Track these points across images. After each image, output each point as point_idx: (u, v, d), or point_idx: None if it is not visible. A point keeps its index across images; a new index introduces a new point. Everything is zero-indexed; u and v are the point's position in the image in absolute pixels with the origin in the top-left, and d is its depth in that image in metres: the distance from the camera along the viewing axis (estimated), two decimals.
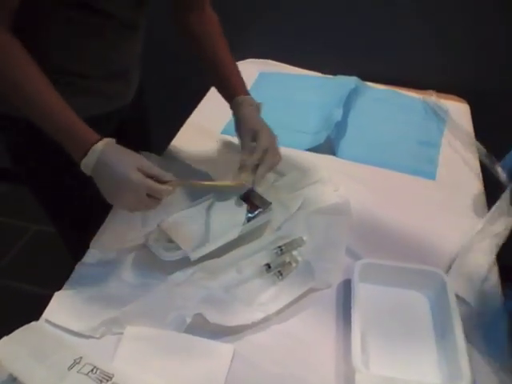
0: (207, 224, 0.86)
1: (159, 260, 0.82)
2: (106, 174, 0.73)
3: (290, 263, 0.84)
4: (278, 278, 0.83)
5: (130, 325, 0.76)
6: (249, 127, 0.93)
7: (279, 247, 0.87)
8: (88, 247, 0.88)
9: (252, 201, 0.90)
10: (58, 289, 0.82)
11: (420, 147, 1.22)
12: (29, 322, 0.75)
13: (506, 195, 0.98)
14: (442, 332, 0.76)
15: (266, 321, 0.77)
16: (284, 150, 0.97)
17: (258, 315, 0.77)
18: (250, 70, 1.49)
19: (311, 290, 0.82)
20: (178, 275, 0.83)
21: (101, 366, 0.67)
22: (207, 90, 1.32)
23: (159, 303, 0.78)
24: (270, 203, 0.91)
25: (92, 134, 0.74)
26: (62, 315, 0.77)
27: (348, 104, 1.32)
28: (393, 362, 0.73)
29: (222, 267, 0.84)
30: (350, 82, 1.39)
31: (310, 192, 1.00)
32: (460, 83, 1.39)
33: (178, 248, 0.82)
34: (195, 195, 0.94)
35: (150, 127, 1.20)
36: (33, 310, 0.78)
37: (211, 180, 0.96)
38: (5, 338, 0.70)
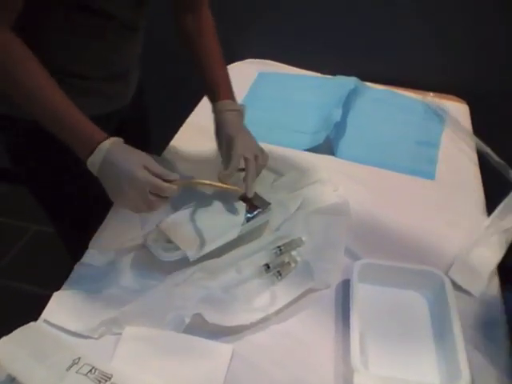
0: (206, 224, 0.86)
1: (158, 260, 0.82)
2: (111, 173, 0.73)
3: (289, 263, 0.84)
4: (277, 278, 0.83)
5: (128, 325, 0.76)
6: (225, 132, 0.90)
7: (278, 247, 0.87)
8: (87, 247, 0.88)
9: (251, 201, 0.90)
10: (58, 289, 0.82)
11: (419, 147, 1.22)
12: (28, 322, 0.75)
13: None
14: (440, 332, 0.76)
15: (265, 321, 0.77)
16: (283, 150, 0.97)
17: (257, 315, 0.77)
18: (249, 70, 1.49)
19: (310, 290, 0.82)
20: (177, 275, 0.83)
21: (99, 367, 0.68)
22: None
23: (158, 303, 0.78)
24: (269, 203, 0.91)
25: (98, 133, 0.75)
26: (61, 315, 0.77)
27: (347, 104, 1.31)
28: (392, 362, 0.73)
29: (221, 267, 0.85)
30: (350, 82, 1.39)
31: (309, 192, 1.00)
32: (460, 83, 1.39)
33: (177, 248, 0.82)
34: (194, 196, 0.94)
35: (149, 127, 1.21)
36: (33, 310, 0.78)
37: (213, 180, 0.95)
38: (4, 338, 0.70)
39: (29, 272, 1.81)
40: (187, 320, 0.75)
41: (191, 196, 0.93)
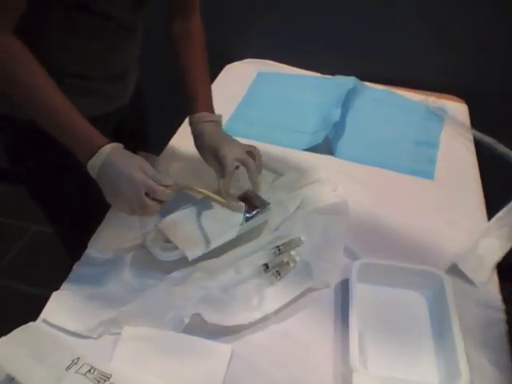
0: (205, 224, 0.86)
1: (157, 260, 0.82)
2: (110, 174, 0.74)
3: (287, 263, 0.84)
4: (276, 278, 0.83)
5: (127, 325, 0.76)
6: (207, 145, 0.90)
7: (277, 247, 0.87)
8: (86, 247, 0.88)
9: (250, 201, 0.90)
10: (58, 289, 0.82)
11: (418, 147, 1.21)
12: (28, 322, 0.75)
13: None
14: (440, 332, 0.76)
15: (264, 321, 0.77)
16: (282, 150, 0.97)
17: (256, 315, 0.77)
18: (249, 69, 1.50)
19: (309, 290, 0.82)
20: (177, 275, 0.83)
21: (98, 367, 0.68)
22: None
23: (157, 303, 0.78)
24: (269, 203, 0.91)
25: (99, 137, 0.76)
26: (60, 315, 0.77)
27: (346, 104, 1.31)
28: (391, 362, 0.73)
29: (220, 267, 0.85)
30: (348, 82, 1.39)
31: (308, 192, 1.00)
32: (460, 83, 1.39)
33: (176, 248, 0.82)
34: (193, 196, 0.94)
35: (148, 127, 1.21)
36: (32, 310, 0.78)
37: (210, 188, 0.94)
38: (3, 338, 0.70)
39: (29, 272, 1.81)
40: (186, 320, 0.75)
41: (190, 196, 0.93)
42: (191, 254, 0.81)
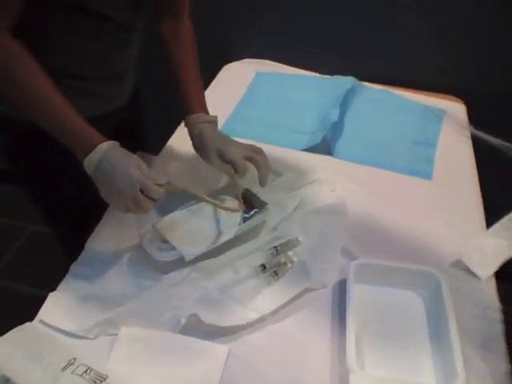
0: (203, 224, 0.86)
1: (154, 260, 0.82)
2: (107, 170, 0.74)
3: (285, 263, 0.84)
4: (273, 278, 0.82)
5: (124, 326, 0.75)
6: (211, 145, 0.89)
7: (275, 247, 0.87)
8: (83, 248, 0.88)
9: (248, 201, 0.90)
10: (55, 289, 0.82)
11: (416, 147, 1.21)
12: (25, 322, 0.75)
13: None
14: (436, 332, 0.76)
15: (261, 321, 0.77)
16: (280, 150, 0.97)
17: (253, 315, 0.77)
18: (247, 69, 1.49)
19: (307, 291, 0.82)
20: (174, 275, 0.83)
21: (95, 367, 0.68)
22: None
23: (154, 304, 0.78)
24: (267, 204, 0.90)
25: (97, 136, 0.76)
26: (57, 316, 0.77)
27: (345, 104, 1.31)
28: (387, 363, 0.73)
29: (217, 267, 0.84)
30: (347, 82, 1.39)
31: (306, 192, 1.00)
32: (460, 83, 1.39)
33: (173, 248, 0.82)
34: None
35: (146, 127, 1.21)
36: (30, 310, 0.78)
37: (206, 192, 0.94)
38: None
39: (26, 272, 1.81)
40: (183, 320, 0.74)
41: (187, 196, 0.92)
42: (188, 255, 0.81)
